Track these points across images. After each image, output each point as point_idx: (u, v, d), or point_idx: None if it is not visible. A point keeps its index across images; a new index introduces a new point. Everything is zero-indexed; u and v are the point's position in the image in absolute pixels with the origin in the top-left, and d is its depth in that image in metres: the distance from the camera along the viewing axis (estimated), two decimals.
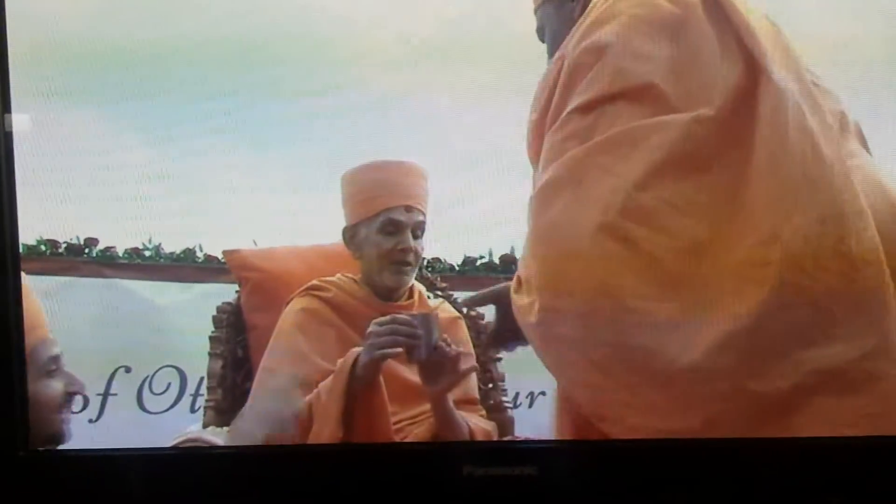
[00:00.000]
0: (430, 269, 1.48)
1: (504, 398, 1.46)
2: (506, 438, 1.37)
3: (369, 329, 1.32)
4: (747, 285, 1.05)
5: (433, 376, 1.33)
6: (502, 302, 1.22)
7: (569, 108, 1.11)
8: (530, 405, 1.46)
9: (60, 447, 1.30)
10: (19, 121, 1.27)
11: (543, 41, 1.27)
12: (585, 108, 1.10)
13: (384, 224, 1.40)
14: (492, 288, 1.27)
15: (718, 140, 1.07)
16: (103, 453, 1.30)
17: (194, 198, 1.40)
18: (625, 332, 1.08)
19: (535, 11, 1.27)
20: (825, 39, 1.22)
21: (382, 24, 1.31)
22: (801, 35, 1.16)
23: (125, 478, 1.27)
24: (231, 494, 1.24)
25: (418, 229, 1.41)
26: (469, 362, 1.35)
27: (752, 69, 1.08)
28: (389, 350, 1.31)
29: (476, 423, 1.41)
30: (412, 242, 1.40)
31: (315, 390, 1.34)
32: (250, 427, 1.34)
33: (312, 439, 1.31)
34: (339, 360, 1.34)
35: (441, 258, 1.48)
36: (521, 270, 1.16)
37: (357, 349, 1.33)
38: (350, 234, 1.43)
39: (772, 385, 1.05)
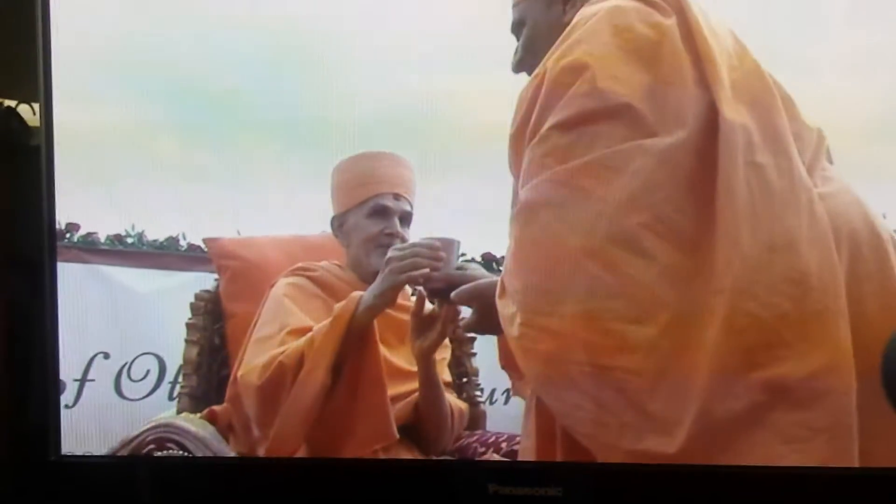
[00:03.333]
0: None
1: (477, 393, 1.48)
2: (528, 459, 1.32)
3: (389, 255, 1.33)
4: (707, 312, 1.08)
5: (423, 331, 1.34)
6: (483, 301, 1.23)
7: (548, 125, 1.12)
8: (506, 402, 1.48)
9: (90, 454, 1.32)
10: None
11: (516, 35, 1.28)
12: (565, 126, 1.11)
13: (372, 209, 1.42)
14: (475, 283, 1.27)
15: (692, 165, 1.09)
16: (131, 460, 1.33)
17: (183, 187, 1.41)
18: (603, 353, 1.09)
19: (515, 6, 1.28)
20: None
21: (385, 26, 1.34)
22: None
23: (152, 483, 1.30)
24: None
25: (405, 218, 1.43)
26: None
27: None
28: (415, 273, 1.30)
29: (453, 401, 1.43)
30: (399, 228, 1.42)
31: (308, 335, 1.34)
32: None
33: (299, 385, 1.31)
34: (337, 305, 1.34)
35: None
36: (504, 277, 1.17)
37: (357, 293, 1.34)
38: (339, 222, 1.45)
39: (730, 405, 1.07)
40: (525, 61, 1.26)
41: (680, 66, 1.11)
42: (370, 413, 1.35)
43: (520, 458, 1.27)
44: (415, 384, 1.40)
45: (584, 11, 1.17)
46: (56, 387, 1.30)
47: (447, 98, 1.34)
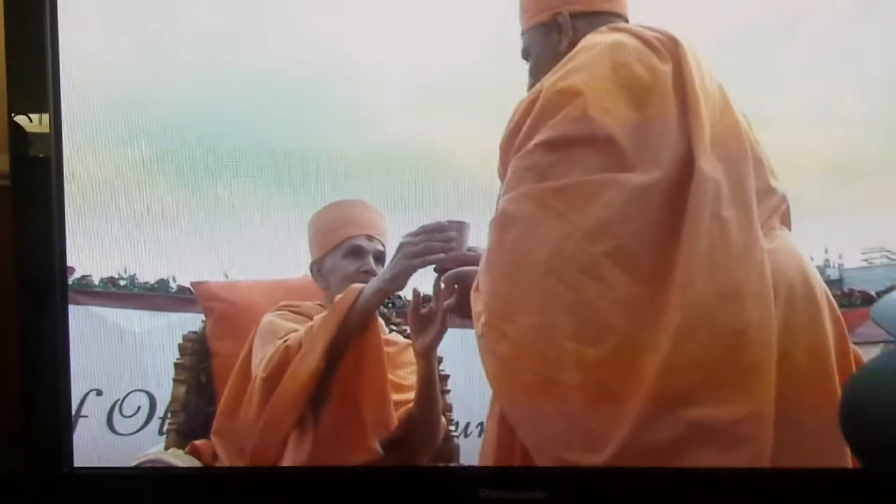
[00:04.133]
0: (389, 304, 1.56)
1: (451, 427, 1.54)
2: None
3: (402, 241, 1.38)
4: (653, 345, 1.13)
5: (423, 328, 1.40)
6: (463, 285, 1.29)
7: (535, 140, 1.18)
8: (479, 434, 1.52)
9: (102, 465, 1.39)
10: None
11: (526, 60, 1.34)
12: (550, 146, 1.17)
13: (347, 250, 1.50)
14: (460, 269, 1.33)
15: (662, 206, 1.15)
16: (142, 472, 1.40)
17: (172, 230, 1.48)
18: (550, 366, 1.16)
19: (522, 34, 1.34)
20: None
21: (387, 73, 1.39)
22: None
23: (162, 495, 1.35)
24: None
25: (379, 257, 1.51)
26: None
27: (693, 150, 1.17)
28: (430, 257, 1.35)
29: None
30: (373, 266, 1.49)
31: (309, 324, 1.41)
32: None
33: (295, 364, 1.37)
34: (337, 296, 1.40)
35: (400, 294, 1.56)
36: (479, 276, 1.24)
37: (357, 285, 1.40)
38: (317, 267, 1.53)
39: (658, 434, 1.13)
40: (534, 86, 1.30)
41: (667, 111, 1.17)
42: (374, 398, 1.41)
43: (479, 456, 1.32)
44: (408, 395, 1.46)
45: (590, 39, 1.24)
46: (67, 401, 1.36)
47: (435, 141, 1.40)
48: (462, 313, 1.31)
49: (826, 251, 1.47)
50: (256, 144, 1.43)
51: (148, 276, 1.56)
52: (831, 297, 1.23)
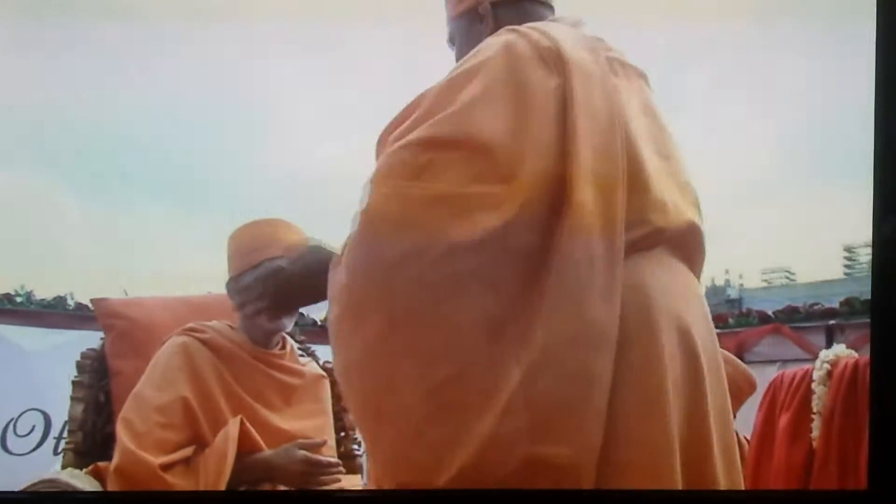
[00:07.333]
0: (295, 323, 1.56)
1: (354, 446, 1.55)
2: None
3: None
4: (505, 374, 1.09)
5: None
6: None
7: (415, 135, 1.13)
8: None
9: None
10: None
11: (451, 47, 1.31)
12: (424, 145, 1.12)
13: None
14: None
15: (532, 228, 1.09)
16: (34, 497, 1.34)
17: (71, 247, 1.46)
18: (387, 378, 1.11)
19: (448, 23, 1.30)
20: None
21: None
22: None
23: None
24: None
25: None
26: None
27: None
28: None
29: None
30: None
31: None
32: None
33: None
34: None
35: (304, 313, 1.56)
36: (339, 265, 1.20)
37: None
38: (234, 284, 1.49)
39: (494, 469, 1.08)
40: None
41: (546, 131, 1.10)
42: None
43: None
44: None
45: (488, 41, 1.18)
46: None
47: (351, 160, 1.40)
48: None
49: (727, 272, 1.51)
50: (165, 164, 1.44)
51: (45, 292, 1.54)
52: (690, 338, 1.13)
